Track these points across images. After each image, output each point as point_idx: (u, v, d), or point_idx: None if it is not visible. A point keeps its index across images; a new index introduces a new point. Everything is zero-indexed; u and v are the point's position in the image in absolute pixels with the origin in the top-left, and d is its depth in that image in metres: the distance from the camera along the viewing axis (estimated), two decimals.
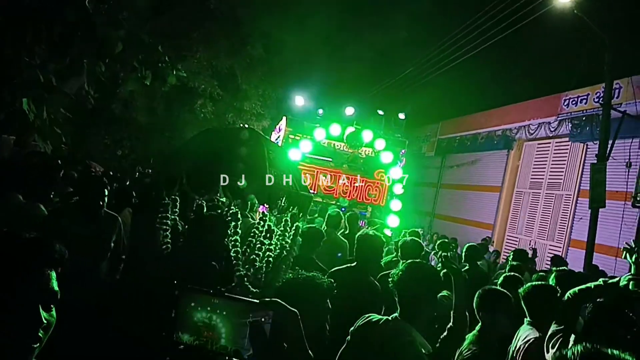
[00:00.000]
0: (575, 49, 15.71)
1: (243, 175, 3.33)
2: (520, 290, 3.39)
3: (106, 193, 4.08)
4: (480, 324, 3.15)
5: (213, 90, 14.10)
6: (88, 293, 3.02)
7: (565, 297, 2.83)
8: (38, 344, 1.16)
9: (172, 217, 3.46)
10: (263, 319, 1.55)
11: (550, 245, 14.53)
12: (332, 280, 2.23)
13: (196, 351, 1.57)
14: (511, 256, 7.23)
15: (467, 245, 6.46)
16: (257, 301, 1.61)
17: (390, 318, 2.51)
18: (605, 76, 10.82)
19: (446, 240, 9.24)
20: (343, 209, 11.24)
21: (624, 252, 3.48)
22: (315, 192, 11.25)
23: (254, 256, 3.37)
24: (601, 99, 11.22)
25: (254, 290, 3.07)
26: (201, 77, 13.10)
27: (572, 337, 2.61)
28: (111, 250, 4.09)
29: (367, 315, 2.63)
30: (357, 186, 11.58)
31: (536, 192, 15.78)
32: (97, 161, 11.37)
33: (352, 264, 4.07)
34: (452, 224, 19.58)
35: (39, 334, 1.16)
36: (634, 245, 3.41)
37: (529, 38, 17.02)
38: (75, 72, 6.57)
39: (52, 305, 1.20)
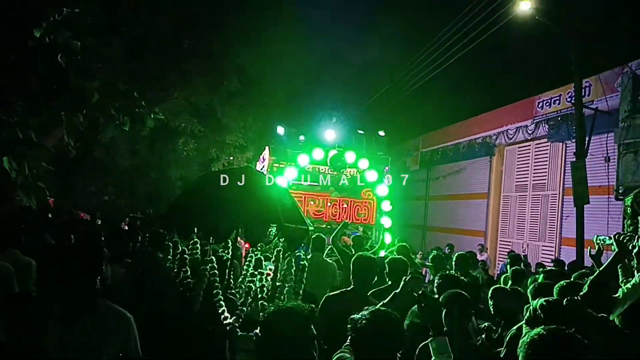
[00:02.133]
0: (542, 52, 16.19)
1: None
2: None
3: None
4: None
5: (194, 127, 14.20)
6: None
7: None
8: None
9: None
10: None
11: (542, 245, 14.66)
12: (313, 306, 2.26)
13: None
14: (509, 262, 7.34)
15: (457, 254, 6.55)
16: None
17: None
18: (574, 76, 11.12)
19: (442, 254, 9.27)
20: (355, 233, 11.24)
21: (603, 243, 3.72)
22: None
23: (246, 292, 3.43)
24: (573, 99, 11.51)
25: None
26: (181, 115, 13.21)
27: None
28: None
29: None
30: (345, 207, 11.68)
31: (523, 194, 15.98)
32: (83, 209, 11.33)
33: (349, 288, 4.00)
34: (445, 234, 19.64)
35: None
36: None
37: (498, 46, 17.43)
38: (54, 125, 6.64)
39: None
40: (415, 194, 22.92)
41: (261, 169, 12.58)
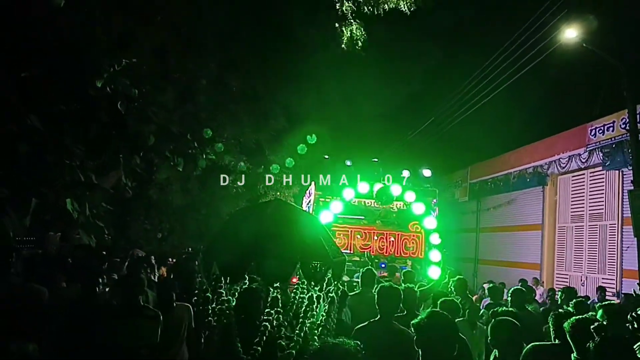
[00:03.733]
0: (593, 79, 15.76)
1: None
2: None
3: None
4: None
5: (244, 164, 14.62)
6: None
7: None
8: None
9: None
10: None
11: (602, 278, 13.91)
12: (358, 342, 2.28)
13: None
14: (562, 295, 7.05)
15: (512, 289, 6.30)
16: None
17: None
18: (627, 102, 10.78)
19: (496, 285, 9.00)
20: (383, 265, 11.21)
21: None
22: (351, 252, 11.30)
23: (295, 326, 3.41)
24: (627, 125, 11.10)
25: None
26: (230, 154, 13.65)
27: None
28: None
29: None
30: (392, 241, 11.58)
31: (579, 225, 15.33)
32: (138, 246, 11.80)
33: (376, 318, 4.12)
34: (497, 267, 19.04)
35: None
36: None
37: (546, 74, 17.17)
38: (113, 167, 7.06)
39: None
40: (466, 226, 22.41)
41: (307, 204, 12.74)
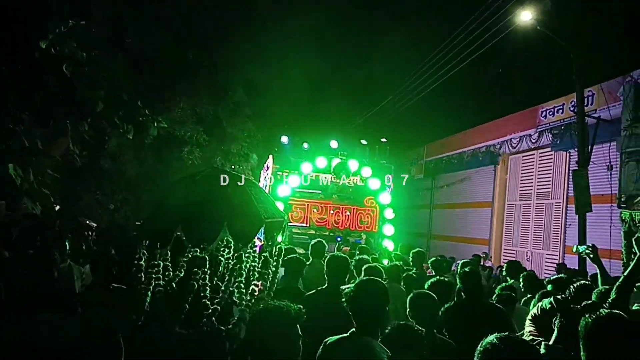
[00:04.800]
0: (545, 61, 16.23)
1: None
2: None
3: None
4: None
5: (199, 136, 14.40)
6: None
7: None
8: None
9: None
10: None
11: (546, 254, 14.62)
12: (301, 307, 2.31)
13: None
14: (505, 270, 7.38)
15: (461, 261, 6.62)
16: None
17: (347, 335, 2.66)
18: (576, 85, 11.17)
19: (439, 258, 9.32)
20: (339, 238, 11.43)
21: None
22: (307, 225, 11.44)
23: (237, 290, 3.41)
24: (576, 108, 11.54)
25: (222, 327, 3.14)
26: (186, 125, 13.41)
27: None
28: None
29: (326, 340, 2.75)
30: (348, 215, 11.76)
31: (527, 203, 15.97)
32: (89, 217, 11.49)
33: (324, 286, 4.18)
34: (449, 243, 19.65)
35: None
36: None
37: (501, 56, 17.55)
38: (60, 133, 6.81)
39: None
40: (420, 202, 22.93)
41: (265, 177, 12.72)
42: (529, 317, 3.29)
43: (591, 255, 4.12)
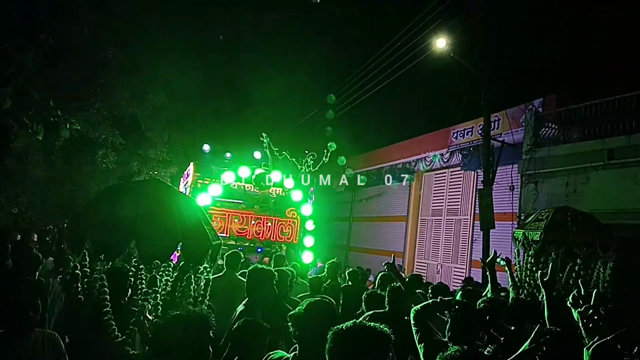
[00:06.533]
0: (459, 86, 17.34)
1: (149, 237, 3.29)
2: None
3: None
4: None
5: (115, 139, 13.76)
6: None
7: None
8: None
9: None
10: None
11: (454, 267, 15.50)
12: (210, 312, 2.36)
13: None
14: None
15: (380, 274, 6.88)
16: None
17: (290, 357, 2.67)
18: (483, 110, 12.03)
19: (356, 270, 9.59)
20: (259, 249, 11.41)
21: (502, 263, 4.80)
22: (227, 235, 11.29)
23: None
24: (483, 131, 12.41)
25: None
26: (102, 127, 12.76)
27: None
28: None
29: (269, 354, 2.80)
30: (269, 226, 11.77)
31: (438, 218, 16.86)
32: None
33: (244, 301, 4.12)
34: (366, 255, 20.23)
35: None
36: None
37: (418, 78, 18.50)
38: None
39: None
40: (341, 214, 23.43)
41: (185, 185, 12.42)
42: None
43: (506, 268, 4.79)
